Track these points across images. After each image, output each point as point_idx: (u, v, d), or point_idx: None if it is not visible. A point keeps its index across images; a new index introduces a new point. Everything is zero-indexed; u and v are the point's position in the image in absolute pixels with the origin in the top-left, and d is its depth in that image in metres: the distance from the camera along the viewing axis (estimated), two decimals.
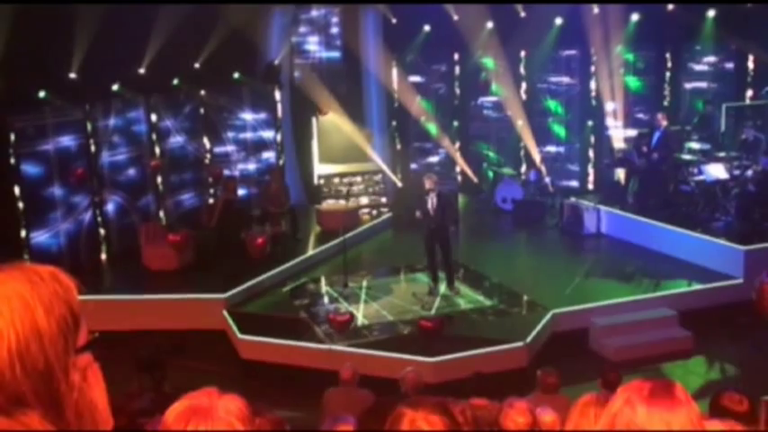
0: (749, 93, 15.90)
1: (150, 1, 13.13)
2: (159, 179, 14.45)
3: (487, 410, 4.46)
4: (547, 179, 16.61)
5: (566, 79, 17.13)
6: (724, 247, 11.83)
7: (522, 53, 17.05)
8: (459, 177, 17.80)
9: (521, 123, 16.99)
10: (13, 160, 11.96)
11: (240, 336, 10.47)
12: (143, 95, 14.06)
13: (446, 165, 17.86)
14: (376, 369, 8.97)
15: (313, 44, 17.02)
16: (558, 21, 16.36)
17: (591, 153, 17.08)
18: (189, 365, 9.72)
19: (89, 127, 13.09)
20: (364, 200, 16.04)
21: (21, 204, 12.07)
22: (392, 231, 15.35)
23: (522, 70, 17.17)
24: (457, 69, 17.63)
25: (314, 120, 16.77)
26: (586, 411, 2.41)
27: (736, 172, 13.30)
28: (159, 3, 13.25)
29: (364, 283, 12.15)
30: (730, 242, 11.83)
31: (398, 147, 17.78)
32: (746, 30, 15.12)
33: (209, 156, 15.33)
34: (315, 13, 16.87)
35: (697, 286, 11.47)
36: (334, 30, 16.99)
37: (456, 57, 17.42)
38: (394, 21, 16.78)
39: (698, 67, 16.43)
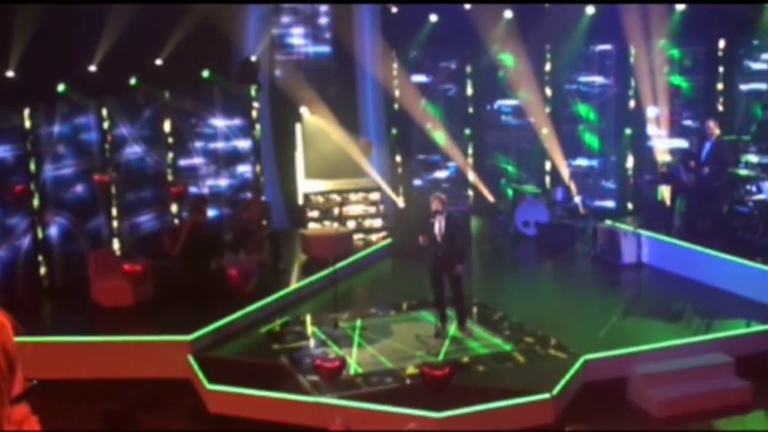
0: None
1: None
2: (113, 196, 14.46)
3: None
4: (577, 199, 16.64)
5: (599, 79, 17.23)
6: None
7: (548, 48, 17.15)
8: (472, 196, 17.84)
9: (546, 132, 17.06)
10: None
11: (209, 386, 10.43)
12: (94, 98, 14.10)
13: (456, 181, 17.91)
14: (372, 425, 8.94)
15: (298, 37, 17.13)
16: (590, 10, 16.46)
17: (629, 167, 17.15)
18: (144, 421, 9.67)
19: (29, 135, 13.12)
20: (358, 223, 16.05)
21: None
22: (391, 261, 15.37)
23: (547, 68, 17.27)
24: (469, 67, 17.72)
25: (298, 127, 16.82)
26: None
27: None
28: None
29: (358, 323, 12.12)
30: None
31: (399, 159, 17.83)
32: None
33: (172, 170, 15.35)
34: None
35: (757, 327, 11.45)
36: (324, 20, 17.10)
37: (468, 52, 17.51)
38: (394, 9, 16.89)
39: (756, 66, 16.52)
